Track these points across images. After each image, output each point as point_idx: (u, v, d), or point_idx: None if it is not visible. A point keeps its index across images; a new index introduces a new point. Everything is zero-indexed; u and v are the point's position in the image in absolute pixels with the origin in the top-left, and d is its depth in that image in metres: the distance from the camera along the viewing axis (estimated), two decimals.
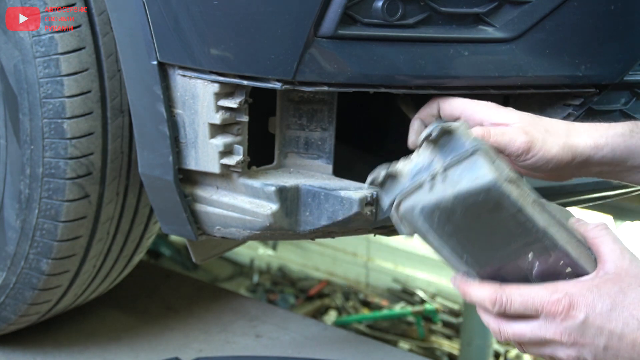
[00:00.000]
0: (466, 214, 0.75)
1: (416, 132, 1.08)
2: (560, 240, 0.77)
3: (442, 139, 0.80)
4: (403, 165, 0.83)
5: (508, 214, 0.75)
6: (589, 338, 0.71)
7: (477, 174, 0.74)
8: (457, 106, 1.01)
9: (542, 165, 0.93)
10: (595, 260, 0.80)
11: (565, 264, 0.77)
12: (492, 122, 0.95)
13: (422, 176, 0.79)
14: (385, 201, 0.84)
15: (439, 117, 1.08)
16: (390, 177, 0.83)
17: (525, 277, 0.79)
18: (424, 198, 0.77)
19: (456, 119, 1.01)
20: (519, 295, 0.75)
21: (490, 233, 0.78)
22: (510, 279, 0.79)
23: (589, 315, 0.72)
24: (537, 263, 0.78)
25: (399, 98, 1.16)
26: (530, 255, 0.77)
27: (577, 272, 0.78)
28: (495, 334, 0.77)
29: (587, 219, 0.85)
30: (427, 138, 0.80)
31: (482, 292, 0.77)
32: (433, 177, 0.78)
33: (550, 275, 0.78)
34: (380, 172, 0.83)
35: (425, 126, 1.06)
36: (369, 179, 0.83)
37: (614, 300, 0.71)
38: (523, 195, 0.76)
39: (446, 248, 0.80)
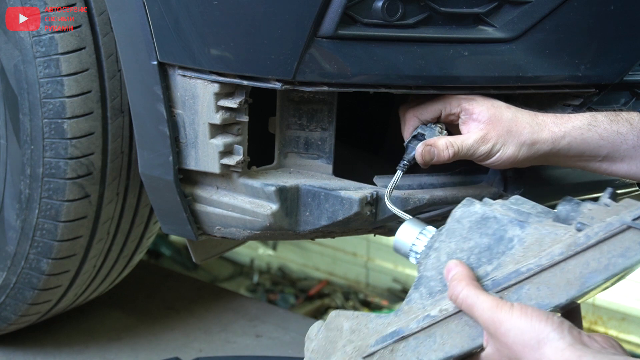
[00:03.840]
0: None
1: (410, 130, 1.13)
2: (440, 356, 0.87)
3: None
4: None
5: None
6: None
7: None
8: (432, 108, 1.10)
9: (501, 164, 1.06)
10: (478, 325, 0.85)
11: (467, 354, 0.87)
12: (463, 114, 1.07)
13: None
14: None
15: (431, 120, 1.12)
16: None
17: None
18: None
19: (436, 116, 1.11)
20: None
21: None
22: None
23: None
24: None
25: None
26: None
27: (472, 353, 0.87)
28: None
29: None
30: None
31: None
32: None
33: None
34: None
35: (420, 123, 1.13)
36: None
37: None
38: None
39: None
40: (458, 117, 1.08)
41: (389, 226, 1.23)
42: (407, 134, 1.12)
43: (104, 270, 1.56)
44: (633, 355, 2.54)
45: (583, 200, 0.91)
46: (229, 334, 1.85)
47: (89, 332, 1.80)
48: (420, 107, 1.10)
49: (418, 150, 1.06)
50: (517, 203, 0.92)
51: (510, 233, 0.88)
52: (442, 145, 1.05)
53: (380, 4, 1.02)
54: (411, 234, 0.97)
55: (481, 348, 0.85)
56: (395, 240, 0.99)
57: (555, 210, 0.91)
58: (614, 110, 1.06)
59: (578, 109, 1.15)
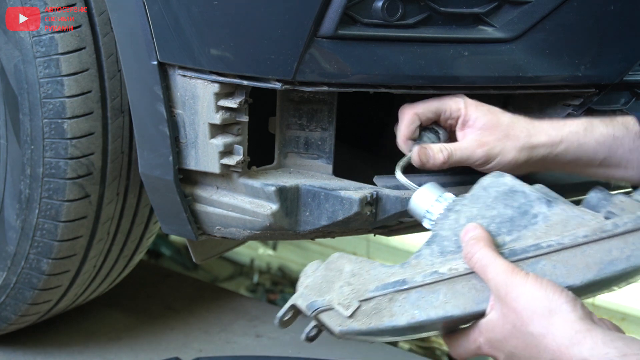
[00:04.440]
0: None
1: (408, 127, 1.11)
2: (440, 314, 0.86)
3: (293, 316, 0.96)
4: None
5: (386, 335, 0.90)
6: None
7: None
8: (432, 109, 1.10)
9: (501, 169, 1.03)
10: (485, 286, 0.85)
11: (466, 319, 0.87)
12: (461, 120, 1.07)
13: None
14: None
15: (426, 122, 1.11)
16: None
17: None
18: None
19: (435, 118, 1.10)
20: (463, 351, 0.90)
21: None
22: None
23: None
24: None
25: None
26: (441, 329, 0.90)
27: (477, 317, 0.86)
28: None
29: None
30: (280, 320, 0.95)
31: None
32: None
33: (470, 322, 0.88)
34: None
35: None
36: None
37: (513, 333, 0.82)
38: (371, 320, 0.88)
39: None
40: (456, 122, 1.08)
41: (389, 226, 1.24)
42: (403, 127, 1.10)
43: (104, 270, 1.56)
44: None
45: (581, 200, 0.92)
46: (229, 334, 1.85)
47: (89, 332, 1.80)
48: (420, 105, 1.10)
49: (414, 151, 1.07)
50: (542, 190, 0.92)
51: (536, 209, 0.88)
52: (437, 148, 1.06)
53: (380, 4, 1.02)
54: (429, 198, 0.97)
55: (482, 315, 0.85)
56: (411, 202, 0.99)
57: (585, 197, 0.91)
58: (611, 114, 1.07)
59: (578, 109, 1.16)
